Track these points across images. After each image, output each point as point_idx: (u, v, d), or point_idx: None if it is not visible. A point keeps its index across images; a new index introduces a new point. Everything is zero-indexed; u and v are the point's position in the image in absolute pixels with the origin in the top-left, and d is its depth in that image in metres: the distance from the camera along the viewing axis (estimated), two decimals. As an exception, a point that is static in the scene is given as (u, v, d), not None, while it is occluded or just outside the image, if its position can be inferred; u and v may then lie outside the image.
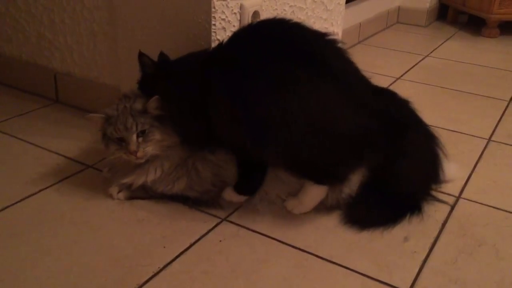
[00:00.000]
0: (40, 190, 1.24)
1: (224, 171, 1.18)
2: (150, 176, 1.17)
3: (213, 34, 1.27)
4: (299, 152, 1.05)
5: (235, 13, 1.31)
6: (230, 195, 1.18)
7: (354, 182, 1.17)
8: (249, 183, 1.17)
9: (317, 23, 1.68)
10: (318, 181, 1.12)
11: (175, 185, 1.18)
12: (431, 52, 2.51)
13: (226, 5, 1.27)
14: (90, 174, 1.32)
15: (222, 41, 1.14)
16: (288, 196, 1.18)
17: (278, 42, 1.06)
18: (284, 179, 1.17)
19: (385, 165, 1.15)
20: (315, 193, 1.14)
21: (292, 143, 1.03)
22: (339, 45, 1.10)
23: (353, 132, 1.05)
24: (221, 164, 1.18)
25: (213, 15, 1.25)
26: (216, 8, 1.25)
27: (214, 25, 1.26)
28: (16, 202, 1.19)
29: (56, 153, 1.41)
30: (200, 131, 1.12)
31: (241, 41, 1.10)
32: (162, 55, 1.20)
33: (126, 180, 1.19)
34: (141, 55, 1.16)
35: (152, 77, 1.17)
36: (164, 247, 1.06)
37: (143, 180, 1.18)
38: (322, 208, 1.18)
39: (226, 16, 1.28)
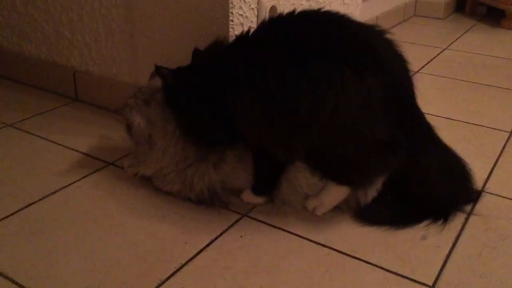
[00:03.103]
0: (62, 188, 1.25)
1: (224, 184, 1.17)
2: (142, 169, 1.22)
3: (230, 29, 1.27)
4: (327, 152, 1.03)
5: (252, 8, 1.30)
6: (247, 197, 1.18)
7: (376, 186, 1.15)
8: (264, 183, 1.16)
9: (335, 17, 1.66)
10: (341, 182, 1.10)
11: (171, 187, 1.20)
12: (450, 45, 2.48)
13: (244, 0, 1.27)
14: (111, 171, 1.33)
15: (248, 30, 1.10)
16: (308, 198, 1.16)
17: (318, 32, 1.01)
18: (297, 187, 1.16)
19: (407, 175, 1.12)
20: (336, 193, 1.12)
21: (323, 142, 1.01)
22: (387, 36, 1.05)
23: (387, 138, 1.01)
24: (224, 178, 1.17)
25: (230, 10, 1.25)
26: (234, 3, 1.25)
27: (232, 20, 1.26)
28: (39, 200, 1.20)
29: (77, 150, 1.43)
30: (217, 135, 1.11)
31: (270, 34, 1.05)
32: (196, 52, 1.14)
33: (125, 161, 1.28)
34: (158, 69, 1.12)
35: (174, 88, 1.13)
36: (186, 243, 1.06)
37: (135, 169, 1.24)
38: (344, 206, 1.17)
39: (244, 12, 1.28)
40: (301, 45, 1.00)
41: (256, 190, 1.17)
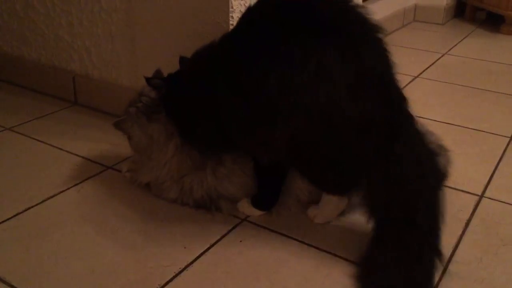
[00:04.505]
0: (61, 192, 1.25)
1: (223, 188, 1.16)
2: (140, 176, 1.23)
3: (231, 34, 1.27)
4: (310, 151, 0.98)
5: (252, 12, 1.30)
6: (244, 207, 1.16)
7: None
8: (266, 197, 1.15)
9: (335, 22, 1.67)
10: (329, 191, 1.09)
11: (167, 194, 1.20)
12: (449, 50, 2.48)
13: (244, 4, 1.27)
14: (110, 175, 1.33)
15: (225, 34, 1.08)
16: (310, 205, 1.16)
17: (282, 18, 0.94)
18: (291, 192, 1.15)
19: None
20: (331, 203, 1.12)
21: (302, 135, 0.95)
22: (358, 8, 0.96)
23: (362, 120, 0.92)
24: (221, 182, 1.16)
25: (231, 15, 1.25)
26: (234, 7, 1.25)
27: (232, 25, 1.26)
28: (38, 204, 1.20)
29: (76, 154, 1.42)
30: (214, 139, 1.09)
31: (244, 27, 1.02)
32: (182, 59, 1.15)
33: (124, 166, 1.30)
34: (148, 80, 1.13)
35: (168, 96, 1.13)
36: (185, 247, 1.06)
37: (133, 175, 1.26)
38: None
39: (244, 16, 1.28)
40: (272, 33, 0.94)
41: (257, 203, 1.15)
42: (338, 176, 1.03)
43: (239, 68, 0.97)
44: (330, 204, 1.12)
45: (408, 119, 1.00)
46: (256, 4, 1.01)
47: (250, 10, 1.02)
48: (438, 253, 0.97)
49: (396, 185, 0.98)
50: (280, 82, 0.92)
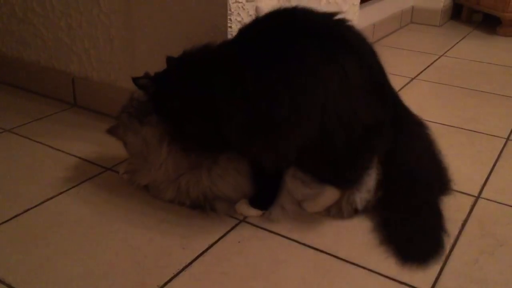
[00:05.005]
0: (60, 193, 1.25)
1: (217, 189, 1.17)
2: (138, 178, 1.23)
3: (229, 36, 1.28)
4: (316, 150, 1.01)
5: (250, 15, 1.31)
6: (242, 208, 1.17)
7: (368, 187, 1.14)
8: (264, 196, 1.15)
9: (332, 24, 1.68)
10: (326, 181, 1.10)
11: (164, 195, 1.21)
12: (446, 52, 2.50)
13: (242, 7, 1.28)
14: (109, 177, 1.33)
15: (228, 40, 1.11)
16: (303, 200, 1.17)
17: (287, 30, 1.00)
18: (291, 190, 1.16)
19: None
20: (328, 193, 1.13)
21: (311, 139, 0.99)
22: (349, 23, 1.04)
23: (370, 121, 1.00)
24: (216, 182, 1.16)
25: (229, 17, 1.26)
26: (232, 10, 1.25)
27: (230, 27, 1.27)
28: (37, 205, 1.20)
29: (75, 156, 1.43)
30: (208, 138, 1.10)
31: (245, 38, 1.05)
32: (169, 59, 1.15)
33: (121, 168, 1.29)
34: (136, 81, 1.13)
35: (156, 96, 1.14)
36: (184, 248, 1.07)
37: (131, 177, 1.26)
38: (344, 212, 1.16)
39: (242, 18, 1.29)
40: (275, 44, 0.99)
41: (255, 203, 1.16)
42: (341, 173, 1.07)
43: (247, 75, 0.99)
44: (324, 193, 1.13)
45: (407, 116, 1.10)
46: (263, 17, 1.05)
47: (257, 21, 1.06)
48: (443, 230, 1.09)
49: (403, 178, 1.09)
50: (298, 90, 0.96)
